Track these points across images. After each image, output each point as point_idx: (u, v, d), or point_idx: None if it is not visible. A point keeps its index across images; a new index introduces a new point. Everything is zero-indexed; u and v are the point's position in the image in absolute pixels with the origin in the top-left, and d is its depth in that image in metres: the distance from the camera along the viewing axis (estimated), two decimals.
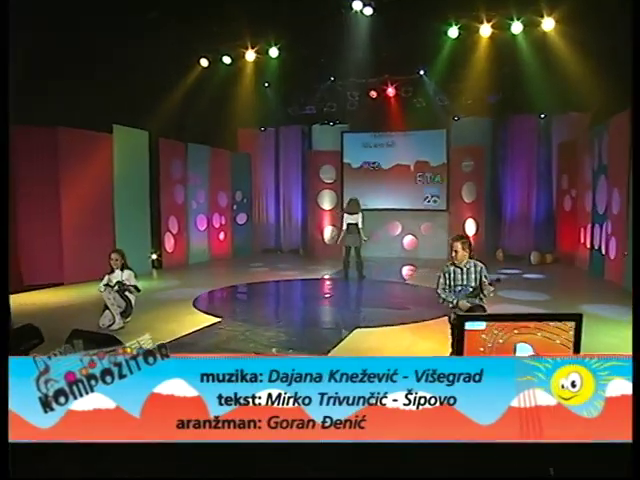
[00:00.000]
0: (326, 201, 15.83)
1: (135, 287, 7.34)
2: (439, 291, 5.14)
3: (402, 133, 15.00)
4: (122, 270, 7.31)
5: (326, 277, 11.80)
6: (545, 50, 11.47)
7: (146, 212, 12.05)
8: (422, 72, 13.44)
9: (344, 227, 11.00)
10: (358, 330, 6.91)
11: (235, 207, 15.70)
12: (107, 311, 7.09)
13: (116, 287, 7.17)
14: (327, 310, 8.67)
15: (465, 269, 5.09)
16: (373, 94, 14.00)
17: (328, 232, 15.89)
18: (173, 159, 13.23)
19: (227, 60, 13.30)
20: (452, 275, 5.10)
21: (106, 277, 7.31)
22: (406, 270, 13.24)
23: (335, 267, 13.09)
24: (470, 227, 14.52)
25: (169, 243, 13.14)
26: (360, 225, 10.82)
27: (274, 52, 12.81)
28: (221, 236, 15.13)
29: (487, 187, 14.49)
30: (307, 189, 16.17)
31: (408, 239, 15.32)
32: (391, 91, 13.94)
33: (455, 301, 4.97)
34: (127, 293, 7.23)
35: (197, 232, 14.17)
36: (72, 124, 10.20)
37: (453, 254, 5.12)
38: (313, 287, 10.75)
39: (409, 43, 11.45)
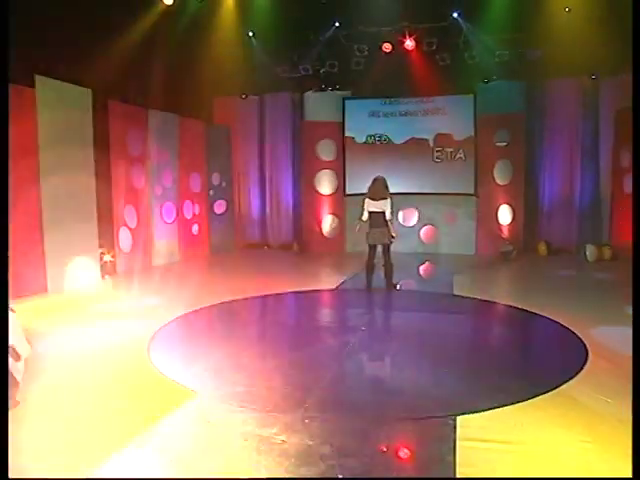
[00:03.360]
0: (324, 184, 12.90)
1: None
2: None
3: (419, 99, 12.13)
4: None
5: (339, 286, 8.64)
6: None
7: (90, 199, 8.94)
8: (456, 15, 10.48)
9: (364, 217, 8.03)
10: (443, 421, 3.48)
11: (212, 192, 12.65)
12: None
13: None
14: (375, 370, 4.96)
15: None
16: (387, 47, 11.02)
17: (327, 222, 12.99)
18: (130, 129, 10.11)
19: None
20: None
21: None
22: (429, 269, 10.49)
23: (340, 268, 10.21)
24: (504, 215, 11.77)
25: (125, 240, 10.06)
26: (388, 216, 7.88)
27: None
28: (194, 229, 12.09)
29: (528, 165, 11.70)
30: (301, 170, 13.20)
31: (427, 230, 12.49)
32: (410, 44, 10.99)
33: None
34: None
35: (163, 225, 11.11)
36: None
37: None
38: (329, 308, 7.76)
39: None
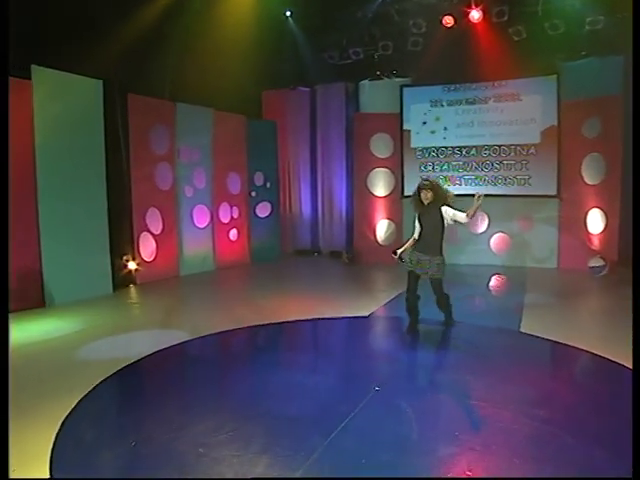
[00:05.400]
0: (379, 184, 11.35)
1: None
2: None
3: (489, 84, 10.26)
4: None
5: (375, 314, 6.89)
6: None
7: (100, 202, 8.03)
8: None
9: (415, 234, 5.76)
10: None
11: (254, 194, 11.51)
12: None
13: None
14: None
15: None
16: (448, 21, 9.28)
17: (382, 228, 11.43)
18: (153, 125, 9.17)
19: None
20: None
21: None
22: (496, 286, 8.60)
23: (392, 283, 8.65)
24: (595, 222, 9.62)
25: (147, 248, 9.12)
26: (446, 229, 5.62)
27: None
28: (232, 235, 11.00)
29: (625, 161, 9.47)
30: (353, 168, 11.73)
31: (498, 238, 10.58)
32: (476, 15, 9.17)
33: None
34: None
35: (194, 230, 10.09)
36: None
37: None
38: (343, 349, 5.79)
39: None
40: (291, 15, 9.97)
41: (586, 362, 4.92)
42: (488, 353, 5.17)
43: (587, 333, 5.75)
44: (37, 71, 7.15)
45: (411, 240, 5.80)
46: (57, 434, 3.41)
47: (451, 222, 5.46)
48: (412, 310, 5.92)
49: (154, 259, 9.21)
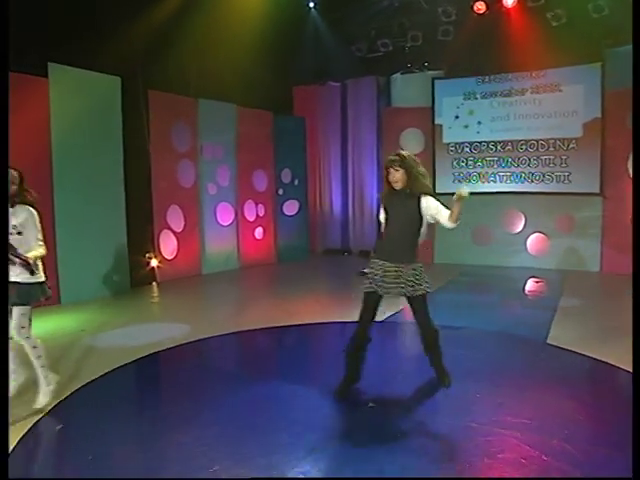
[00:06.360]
0: None
1: (26, 264, 3.52)
2: None
3: (526, 74, 9.62)
4: (13, 207, 3.52)
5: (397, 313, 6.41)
6: None
7: (118, 199, 7.97)
8: None
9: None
10: None
11: (281, 191, 11.29)
12: None
13: None
14: None
15: None
16: (480, 7, 8.74)
17: None
18: (175, 122, 9.06)
19: None
20: None
21: None
22: (533, 290, 8.02)
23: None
24: None
25: (168, 245, 9.03)
26: (425, 228, 3.90)
27: None
28: (258, 233, 10.80)
29: None
30: (381, 164, 11.27)
31: (535, 239, 9.93)
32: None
33: None
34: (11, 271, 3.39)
35: (217, 228, 9.95)
36: None
37: None
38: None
39: None
40: (315, 6, 9.65)
41: (618, 381, 4.38)
42: (502, 367, 4.70)
43: (624, 347, 5.16)
44: (54, 68, 7.13)
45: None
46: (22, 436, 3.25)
47: (431, 220, 3.80)
48: (354, 356, 3.83)
49: (175, 257, 9.11)
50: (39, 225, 3.67)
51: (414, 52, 10.15)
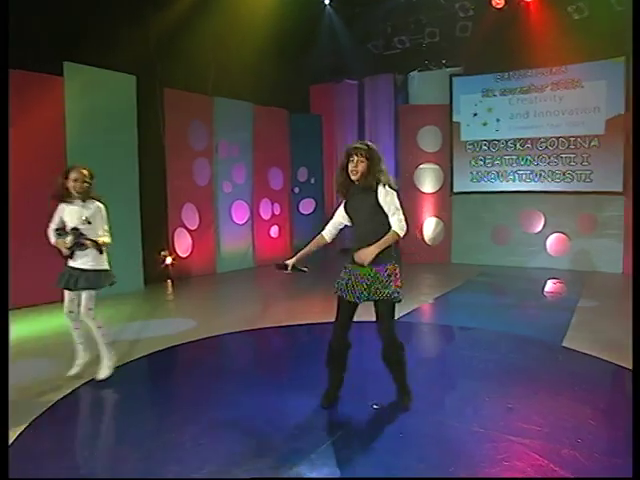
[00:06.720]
0: (426, 180, 10.75)
1: (96, 244, 4.09)
2: None
3: (546, 70, 9.40)
4: (84, 202, 4.13)
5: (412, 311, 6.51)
6: None
7: (132, 197, 8.00)
8: None
9: (325, 234, 3.88)
10: None
11: (297, 190, 11.25)
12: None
13: (70, 238, 4.04)
14: None
15: None
16: (498, 1, 8.55)
17: (430, 227, 10.82)
18: (191, 120, 9.07)
19: None
20: None
21: (57, 215, 4.15)
22: (552, 290, 7.82)
23: (434, 287, 8.16)
24: None
25: (183, 243, 9.05)
26: (397, 225, 3.37)
27: None
28: (273, 231, 10.77)
29: None
30: (399, 163, 11.17)
31: (555, 240, 9.71)
32: None
33: None
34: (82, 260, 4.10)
35: (232, 227, 9.94)
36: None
37: None
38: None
39: None
40: (330, 3, 9.57)
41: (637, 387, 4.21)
42: (514, 370, 4.56)
43: None
44: (69, 67, 7.18)
45: (312, 243, 3.86)
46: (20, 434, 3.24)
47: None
48: (335, 363, 3.61)
49: (190, 255, 9.13)
50: (106, 218, 4.18)
51: (431, 49, 10.00)
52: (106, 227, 4.18)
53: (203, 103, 9.29)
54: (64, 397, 3.89)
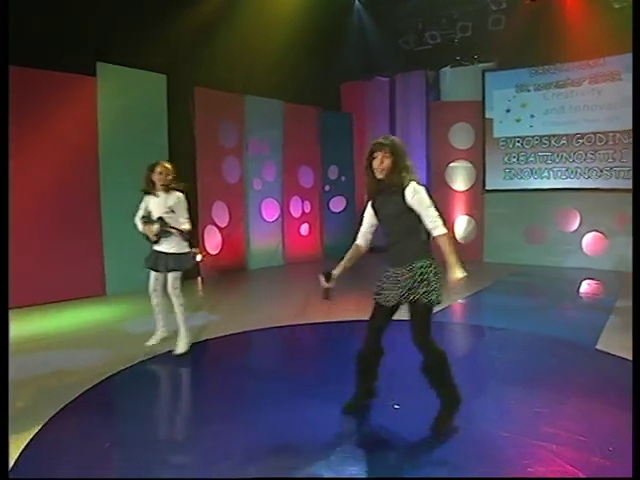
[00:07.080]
0: (458, 178, 10.58)
1: (180, 232, 4.63)
2: None
3: (583, 63, 9.12)
4: (167, 193, 4.65)
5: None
6: None
7: None
8: None
9: (360, 240, 3.56)
10: None
11: (328, 188, 11.24)
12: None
13: (156, 226, 4.58)
14: None
15: None
16: None
17: (462, 225, 10.66)
18: (221, 118, 9.15)
19: None
20: None
21: (142, 205, 4.73)
22: (588, 290, 7.59)
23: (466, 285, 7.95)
24: None
25: (213, 241, 9.14)
26: (432, 225, 3.18)
27: None
28: (303, 229, 10.79)
29: None
30: (431, 160, 11.03)
31: (591, 238, 9.42)
32: None
33: None
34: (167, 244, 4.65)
35: (263, 224, 10.00)
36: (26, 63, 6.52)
37: None
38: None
39: None
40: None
41: None
42: (543, 373, 4.44)
43: None
44: (102, 67, 7.33)
45: (350, 258, 3.50)
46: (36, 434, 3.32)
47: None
48: (364, 370, 3.45)
49: (220, 252, 9.22)
50: (186, 206, 4.66)
51: (464, 44, 9.82)
52: (186, 215, 4.64)
53: (234, 101, 9.36)
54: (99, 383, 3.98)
